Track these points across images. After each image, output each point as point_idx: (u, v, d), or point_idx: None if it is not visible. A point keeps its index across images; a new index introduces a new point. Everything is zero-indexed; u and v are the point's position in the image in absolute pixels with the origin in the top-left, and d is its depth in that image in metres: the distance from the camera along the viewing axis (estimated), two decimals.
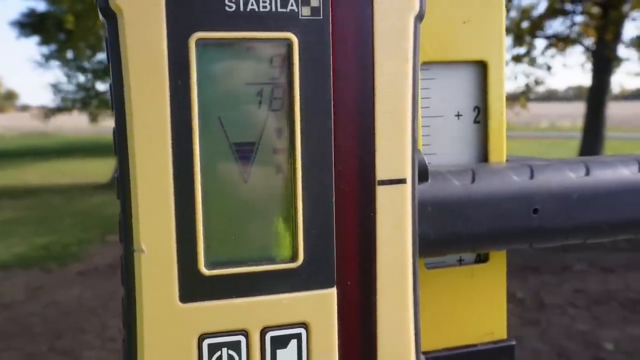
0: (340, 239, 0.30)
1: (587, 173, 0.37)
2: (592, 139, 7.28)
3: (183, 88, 0.28)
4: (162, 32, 0.27)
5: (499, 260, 0.40)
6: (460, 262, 0.40)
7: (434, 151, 0.39)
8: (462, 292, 0.40)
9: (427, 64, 0.38)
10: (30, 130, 25.81)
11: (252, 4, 0.28)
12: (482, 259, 0.40)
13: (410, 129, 0.31)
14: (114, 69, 0.28)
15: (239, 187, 0.29)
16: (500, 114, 0.39)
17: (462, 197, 0.35)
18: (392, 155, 0.31)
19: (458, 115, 0.39)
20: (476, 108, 0.39)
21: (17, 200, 7.25)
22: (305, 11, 0.29)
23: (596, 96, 7.35)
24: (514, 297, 3.51)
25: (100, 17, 0.28)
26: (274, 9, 0.29)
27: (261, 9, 0.28)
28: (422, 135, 0.38)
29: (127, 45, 0.27)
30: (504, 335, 0.40)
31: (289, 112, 0.29)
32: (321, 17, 0.29)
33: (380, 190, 0.31)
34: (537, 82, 8.08)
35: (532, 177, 0.36)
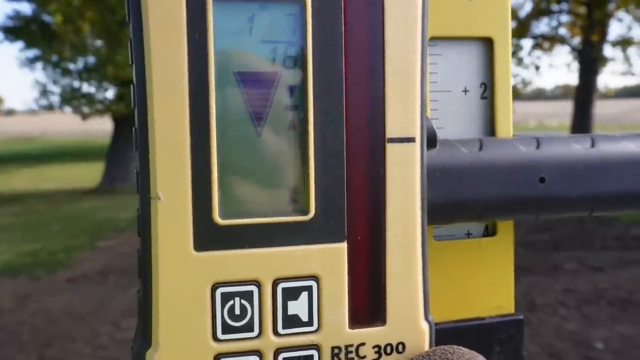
0: (350, 194, 0.31)
1: (593, 145, 0.38)
2: None
3: (201, 42, 0.29)
4: None
5: (506, 234, 0.41)
6: (469, 235, 0.40)
7: (441, 125, 0.40)
8: (470, 265, 0.40)
9: (434, 40, 0.39)
10: (16, 135, 25.59)
11: None
12: (490, 232, 0.41)
13: (419, 89, 0.32)
14: (134, 24, 0.29)
15: (253, 140, 0.30)
16: (506, 91, 0.40)
17: (469, 163, 0.36)
18: (402, 114, 0.32)
19: (465, 91, 0.40)
20: (483, 84, 0.40)
21: (3, 207, 7.18)
22: None
23: (583, 95, 7.41)
24: None
25: None
26: None
27: None
28: (430, 110, 0.39)
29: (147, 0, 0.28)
30: (512, 310, 0.41)
31: (302, 70, 0.30)
32: None
33: (390, 148, 0.32)
34: (525, 83, 8.13)
35: (538, 147, 0.37)
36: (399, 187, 0.32)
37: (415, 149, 0.32)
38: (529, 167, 0.36)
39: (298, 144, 0.30)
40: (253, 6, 0.30)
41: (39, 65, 10.28)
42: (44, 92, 10.48)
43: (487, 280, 0.40)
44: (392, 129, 0.31)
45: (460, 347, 0.31)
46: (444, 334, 0.37)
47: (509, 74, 0.40)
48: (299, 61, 0.30)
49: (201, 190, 0.29)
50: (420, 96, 0.32)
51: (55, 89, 10.31)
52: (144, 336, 0.30)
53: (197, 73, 0.29)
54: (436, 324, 0.35)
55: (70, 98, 9.98)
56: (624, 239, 4.71)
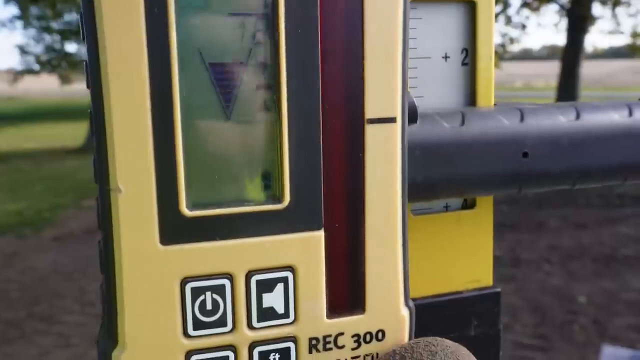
0: (327, 180, 0.29)
1: (578, 117, 0.36)
2: (566, 98, 7.35)
3: (160, 16, 0.26)
4: None
5: (485, 207, 0.39)
6: (447, 208, 0.39)
7: (421, 94, 0.38)
8: (448, 238, 0.39)
9: (414, 3, 0.36)
10: None
11: None
12: (468, 205, 0.39)
13: (401, 65, 0.30)
14: None
15: (221, 124, 0.28)
16: (489, 57, 0.38)
17: (451, 140, 0.34)
18: (382, 93, 0.29)
19: (445, 57, 0.38)
20: (464, 50, 0.38)
21: None
22: None
23: (570, 55, 7.40)
24: None
25: None
26: None
27: None
28: (409, 77, 0.37)
29: None
30: (490, 283, 0.40)
31: (274, 46, 0.28)
32: None
33: (370, 129, 0.29)
34: (512, 41, 8.09)
35: (522, 120, 0.35)
36: (379, 171, 0.30)
37: (396, 130, 0.30)
38: (513, 142, 0.35)
39: (270, 126, 0.28)
40: None
41: (19, 24, 10.04)
42: (25, 54, 10.26)
43: (466, 253, 0.39)
44: (372, 109, 0.29)
45: (444, 340, 0.30)
46: (420, 309, 0.36)
47: (491, 39, 0.38)
48: (271, 36, 0.27)
49: (166, 180, 0.27)
50: (402, 72, 0.30)
51: (37, 49, 10.10)
52: (110, 334, 0.28)
53: (157, 50, 0.26)
54: (413, 299, 0.34)
55: (49, 61, 9.77)
56: (608, 197, 4.77)
